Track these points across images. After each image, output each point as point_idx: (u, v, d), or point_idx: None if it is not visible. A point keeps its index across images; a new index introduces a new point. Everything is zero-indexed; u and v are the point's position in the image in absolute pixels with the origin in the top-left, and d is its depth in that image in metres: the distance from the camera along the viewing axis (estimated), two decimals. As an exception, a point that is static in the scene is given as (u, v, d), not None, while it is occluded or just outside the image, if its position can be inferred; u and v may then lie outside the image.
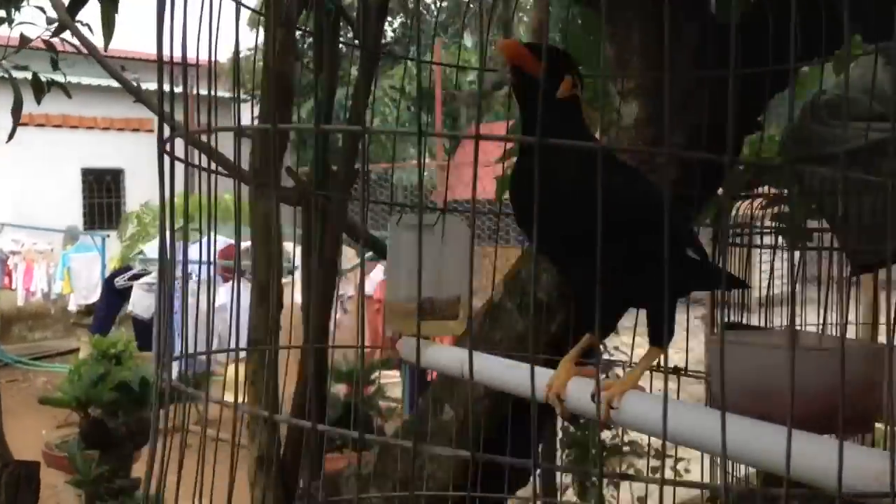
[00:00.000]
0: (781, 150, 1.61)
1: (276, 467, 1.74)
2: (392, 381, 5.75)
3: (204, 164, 0.97)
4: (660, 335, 0.86)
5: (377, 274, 5.97)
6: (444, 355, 1.01)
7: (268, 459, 1.70)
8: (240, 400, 0.82)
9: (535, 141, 0.57)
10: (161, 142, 0.80)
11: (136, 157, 12.79)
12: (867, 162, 1.51)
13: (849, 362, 0.84)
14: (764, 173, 1.65)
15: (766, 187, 1.97)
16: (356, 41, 2.02)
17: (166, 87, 0.85)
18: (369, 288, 6.14)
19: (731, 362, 0.91)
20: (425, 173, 12.91)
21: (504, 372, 0.91)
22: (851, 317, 1.88)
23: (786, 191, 1.77)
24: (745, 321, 1.79)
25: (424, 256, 1.08)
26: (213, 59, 0.86)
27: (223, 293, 6.45)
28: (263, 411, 1.58)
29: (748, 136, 1.67)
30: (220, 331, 6.64)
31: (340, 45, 2.01)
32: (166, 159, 0.82)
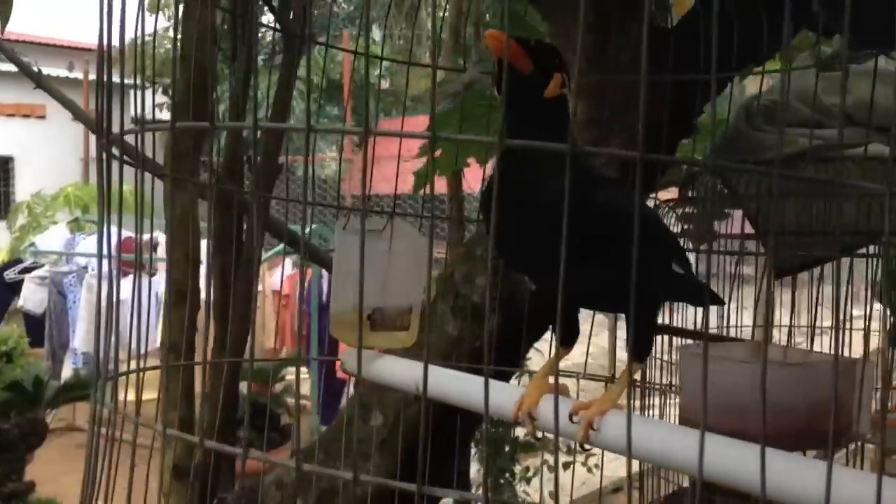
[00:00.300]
0: (711, 154, 1.62)
1: (193, 477, 1.65)
2: (301, 377, 5.64)
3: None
4: (641, 349, 0.84)
5: (287, 268, 5.84)
6: (396, 368, 0.96)
7: (185, 469, 1.61)
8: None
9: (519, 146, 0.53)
10: (107, 139, 0.73)
11: (26, 145, 12.17)
12: (795, 168, 1.54)
13: (821, 377, 0.85)
14: (694, 177, 1.66)
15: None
16: (277, 25, 1.94)
17: (116, 78, 0.77)
18: (277, 284, 6.00)
19: (698, 377, 0.89)
20: (331, 166, 12.74)
21: (464, 387, 0.87)
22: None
23: (691, 191, 1.80)
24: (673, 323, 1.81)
25: (372, 263, 1.03)
26: (138, 45, 0.79)
27: (124, 288, 6.19)
28: (190, 435, 1.50)
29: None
30: (121, 327, 6.39)
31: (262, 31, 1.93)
32: (120, 159, 0.74)
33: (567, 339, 0.90)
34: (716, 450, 0.63)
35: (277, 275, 5.95)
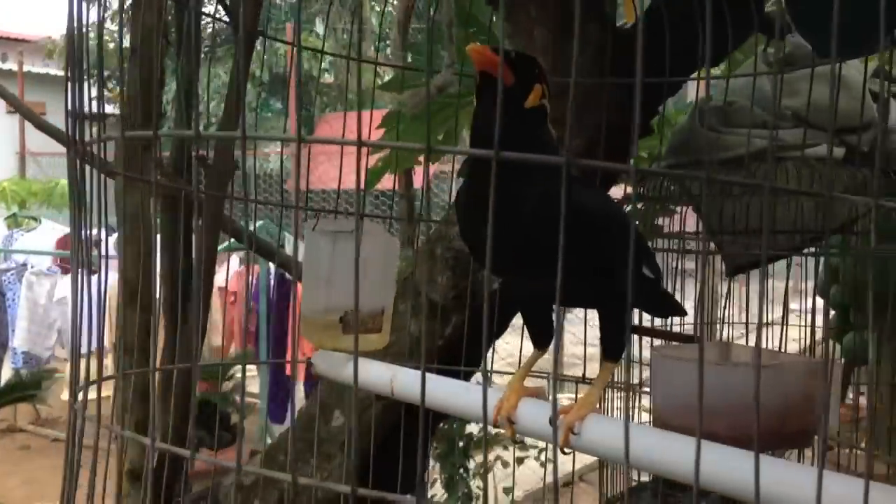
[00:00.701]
0: (666, 154, 1.65)
1: (145, 479, 1.62)
2: (249, 375, 5.57)
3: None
4: (615, 348, 0.85)
5: (233, 264, 5.76)
6: (372, 371, 0.95)
7: (138, 474, 1.58)
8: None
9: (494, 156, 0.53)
10: (81, 144, 0.71)
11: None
12: (748, 169, 1.57)
13: (791, 377, 0.87)
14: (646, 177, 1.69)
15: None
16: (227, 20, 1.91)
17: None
18: (223, 281, 5.91)
19: (672, 379, 0.91)
20: (275, 160, 12.58)
21: (442, 391, 0.87)
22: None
23: (642, 189, 1.83)
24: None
25: (342, 265, 1.02)
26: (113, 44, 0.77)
27: (62, 286, 6.05)
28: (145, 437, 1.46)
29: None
30: (60, 325, 6.23)
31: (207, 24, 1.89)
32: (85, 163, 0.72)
33: (543, 340, 0.90)
34: (708, 456, 0.63)
35: (223, 271, 5.87)
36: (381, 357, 1.09)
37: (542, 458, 3.17)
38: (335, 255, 1.01)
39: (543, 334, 0.91)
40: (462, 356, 1.43)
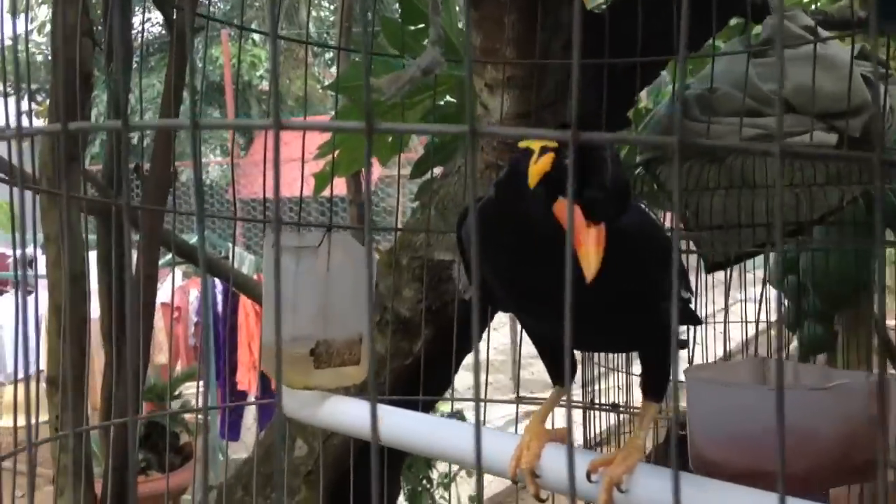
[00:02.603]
0: (640, 149, 1.55)
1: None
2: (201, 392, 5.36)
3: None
4: (659, 387, 0.73)
5: (176, 279, 5.54)
6: (350, 412, 0.82)
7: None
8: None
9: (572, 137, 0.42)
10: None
11: None
12: (723, 160, 1.49)
13: (855, 400, 0.75)
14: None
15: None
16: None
17: None
18: (166, 296, 5.69)
19: (711, 406, 0.78)
20: (215, 170, 12.30)
21: (441, 436, 0.73)
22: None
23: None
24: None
25: (308, 286, 0.89)
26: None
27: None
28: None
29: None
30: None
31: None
32: None
33: (565, 377, 0.78)
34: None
35: (166, 287, 5.64)
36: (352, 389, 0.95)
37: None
38: (299, 274, 0.87)
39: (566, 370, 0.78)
40: (434, 375, 1.31)
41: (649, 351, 0.74)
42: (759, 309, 1.79)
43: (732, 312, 1.81)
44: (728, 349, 2.02)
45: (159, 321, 5.53)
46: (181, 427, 5.00)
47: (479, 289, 0.35)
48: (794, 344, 2.60)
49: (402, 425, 0.76)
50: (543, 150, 0.61)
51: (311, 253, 0.87)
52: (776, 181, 0.39)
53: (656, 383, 0.74)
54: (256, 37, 12.80)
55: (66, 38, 1.59)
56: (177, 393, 4.80)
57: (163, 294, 5.62)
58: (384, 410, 0.78)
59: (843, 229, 1.75)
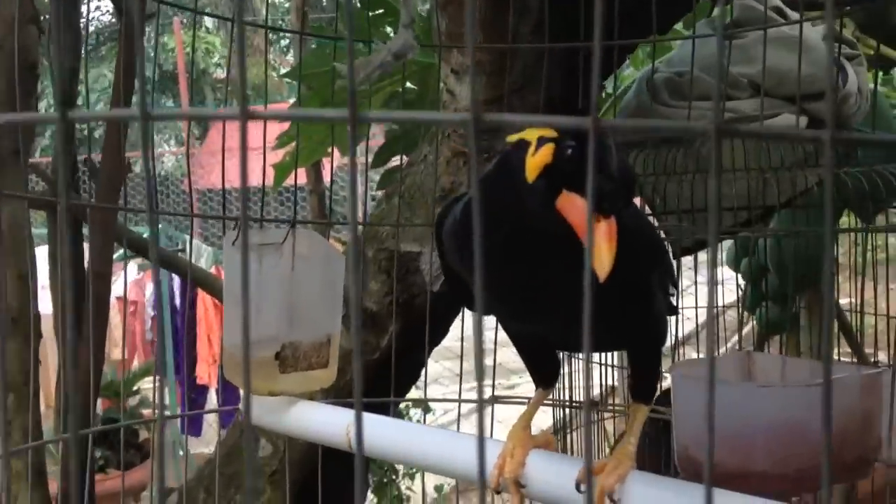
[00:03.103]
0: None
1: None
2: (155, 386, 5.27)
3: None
4: (648, 388, 0.70)
5: (130, 273, 5.43)
6: (319, 417, 0.78)
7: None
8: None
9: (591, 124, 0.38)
10: None
11: None
12: (688, 145, 1.47)
13: (848, 394, 0.73)
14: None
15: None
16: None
17: None
18: (120, 290, 5.58)
19: (697, 404, 0.75)
20: (170, 161, 12.09)
21: (425, 443, 0.69)
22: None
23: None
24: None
25: (273, 287, 0.84)
26: None
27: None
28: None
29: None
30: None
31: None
32: None
33: (551, 379, 0.75)
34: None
35: (120, 280, 5.52)
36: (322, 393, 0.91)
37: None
38: (261, 273, 0.83)
39: (552, 373, 0.75)
40: (402, 368, 1.27)
41: (639, 350, 0.71)
42: (712, 292, 1.77)
43: (687, 296, 1.79)
44: (682, 334, 2.01)
45: (115, 317, 5.42)
46: (139, 424, 4.91)
47: (482, 301, 0.31)
48: (750, 326, 2.61)
49: (381, 435, 0.72)
50: (541, 141, 0.57)
51: (274, 250, 0.83)
52: (712, 161, 0.36)
53: (646, 385, 0.72)
54: (210, 24, 12.59)
55: (8, 25, 1.52)
56: (135, 389, 4.71)
57: (117, 288, 5.51)
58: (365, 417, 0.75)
59: (809, 212, 1.75)
